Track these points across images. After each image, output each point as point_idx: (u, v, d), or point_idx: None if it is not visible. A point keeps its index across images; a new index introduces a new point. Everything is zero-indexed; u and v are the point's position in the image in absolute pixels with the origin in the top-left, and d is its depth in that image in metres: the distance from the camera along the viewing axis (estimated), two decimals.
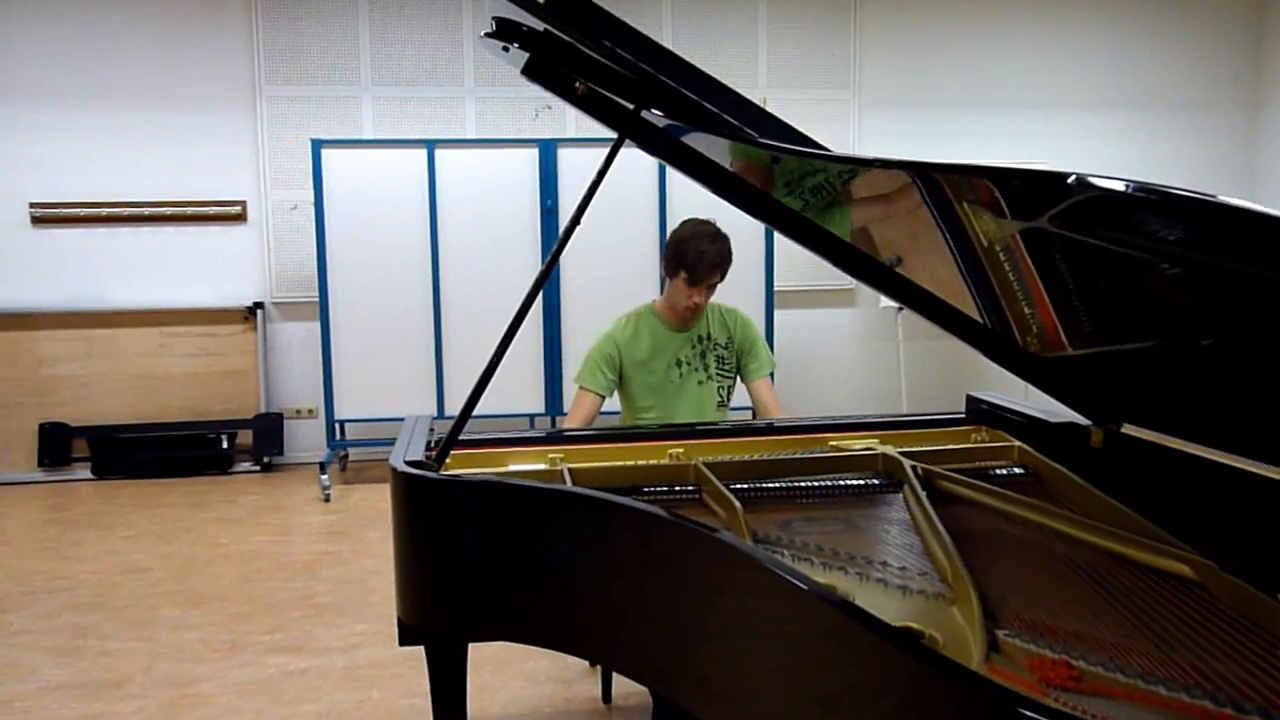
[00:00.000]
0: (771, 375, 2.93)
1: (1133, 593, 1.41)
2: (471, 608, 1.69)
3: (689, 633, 1.43)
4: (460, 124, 5.72)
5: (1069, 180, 1.05)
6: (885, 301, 5.81)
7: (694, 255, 2.66)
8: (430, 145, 5.16)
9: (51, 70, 5.42)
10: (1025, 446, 2.10)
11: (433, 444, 2.03)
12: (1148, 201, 1.03)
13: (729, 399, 2.89)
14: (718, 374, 2.85)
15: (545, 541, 1.61)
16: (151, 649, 3.19)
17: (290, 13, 5.54)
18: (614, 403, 2.90)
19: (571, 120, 5.79)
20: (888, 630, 1.13)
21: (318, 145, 5.06)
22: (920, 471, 1.93)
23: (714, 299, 2.90)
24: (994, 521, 1.76)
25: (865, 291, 6.16)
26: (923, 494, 1.80)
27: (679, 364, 2.83)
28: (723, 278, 2.75)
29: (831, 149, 1.81)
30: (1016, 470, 2.05)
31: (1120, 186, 1.04)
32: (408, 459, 1.82)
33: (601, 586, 1.56)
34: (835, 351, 6.25)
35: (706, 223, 2.75)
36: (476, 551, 1.67)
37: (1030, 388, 1.91)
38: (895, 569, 1.54)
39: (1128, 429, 1.91)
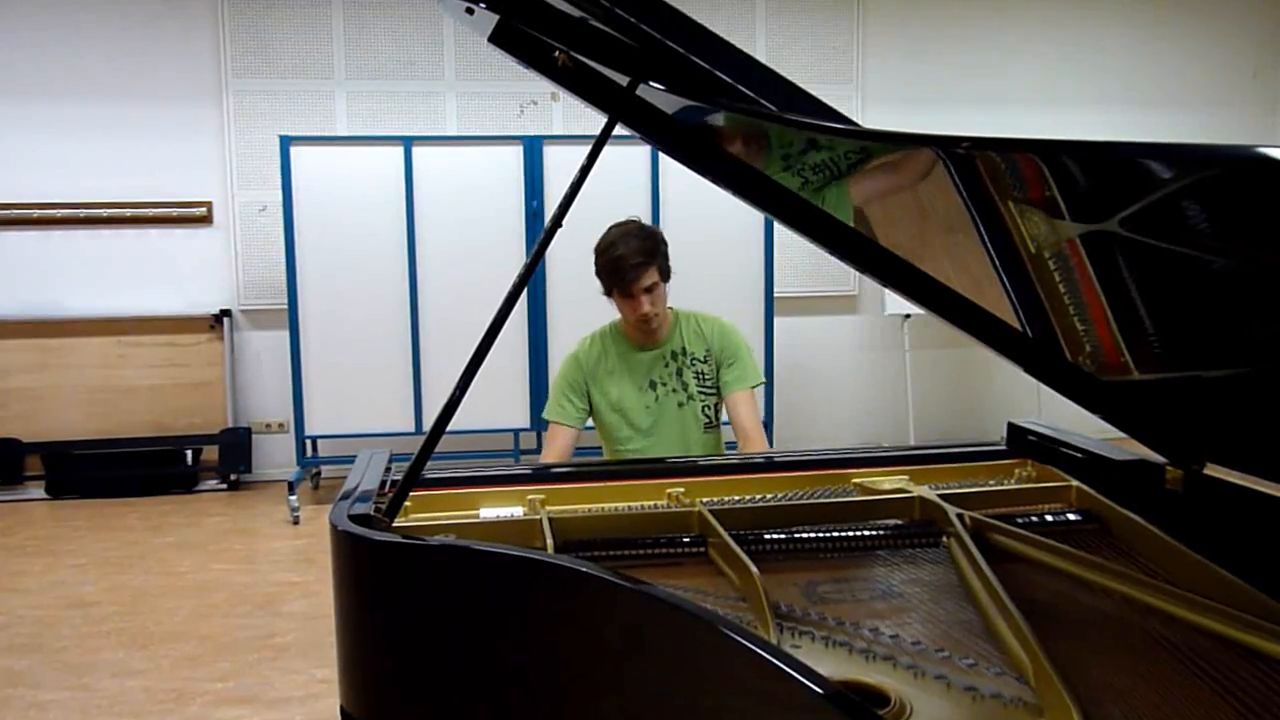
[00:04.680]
0: (768, 391, 2.63)
1: (1270, 701, 1.09)
2: (426, 701, 1.37)
3: None
4: (440, 120, 5.39)
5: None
6: (890, 308, 5.51)
7: (611, 264, 2.40)
8: (408, 142, 4.84)
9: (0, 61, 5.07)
10: (1084, 487, 1.79)
11: (388, 486, 1.71)
12: None
13: (718, 418, 2.59)
14: (700, 392, 2.55)
15: (514, 622, 1.29)
16: (87, 700, 2.86)
17: (259, 0, 5.21)
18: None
19: (559, 116, 5.47)
20: None
21: (287, 142, 4.74)
22: (968, 521, 1.62)
23: (691, 307, 2.61)
24: (1064, 588, 1.45)
25: (869, 298, 5.86)
26: (976, 552, 1.49)
27: (653, 386, 2.53)
28: (664, 276, 2.46)
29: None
30: (1073, 516, 1.74)
31: None
32: (352, 511, 1.49)
33: (587, 684, 1.24)
34: (837, 361, 5.94)
35: (624, 223, 2.48)
36: (428, 631, 1.35)
37: (1042, 400, 1.60)
38: (959, 661, 1.23)
39: (1212, 469, 1.60)
